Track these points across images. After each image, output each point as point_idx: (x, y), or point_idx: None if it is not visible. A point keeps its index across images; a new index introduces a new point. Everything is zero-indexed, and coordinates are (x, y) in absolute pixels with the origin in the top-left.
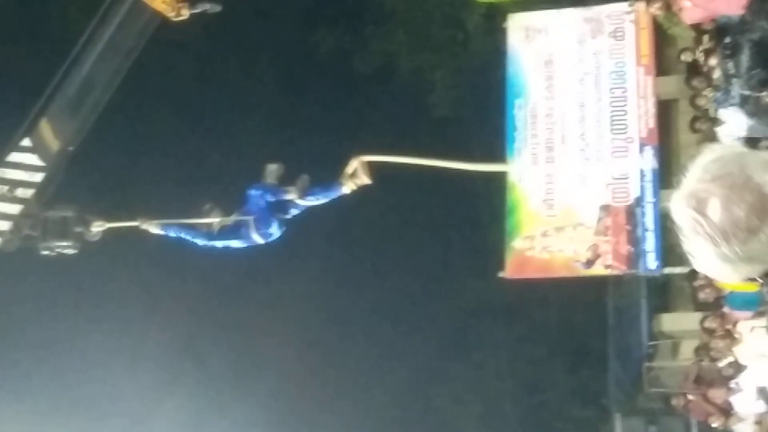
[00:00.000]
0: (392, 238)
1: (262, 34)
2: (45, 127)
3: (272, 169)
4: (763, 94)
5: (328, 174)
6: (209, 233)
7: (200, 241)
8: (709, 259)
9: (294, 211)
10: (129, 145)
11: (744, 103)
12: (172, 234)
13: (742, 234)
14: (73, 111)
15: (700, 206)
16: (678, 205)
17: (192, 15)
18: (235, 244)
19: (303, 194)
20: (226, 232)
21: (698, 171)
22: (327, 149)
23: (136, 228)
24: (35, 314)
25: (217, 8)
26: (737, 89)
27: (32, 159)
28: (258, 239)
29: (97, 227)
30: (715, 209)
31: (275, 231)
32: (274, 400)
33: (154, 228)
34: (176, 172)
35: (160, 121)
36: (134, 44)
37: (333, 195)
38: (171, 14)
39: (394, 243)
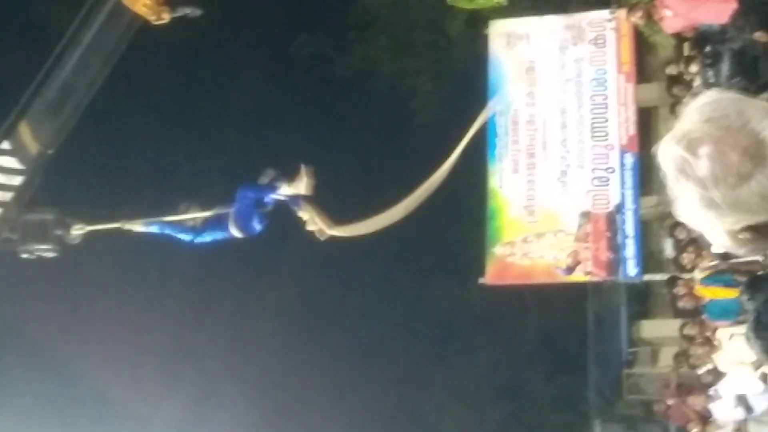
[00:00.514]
0: (374, 243)
1: (244, 38)
2: (24, 130)
3: (269, 174)
4: None
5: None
6: (193, 228)
7: (185, 236)
8: (694, 204)
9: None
10: (109, 147)
11: None
12: (157, 231)
13: (733, 179)
14: (53, 114)
15: (691, 147)
16: (667, 145)
17: (173, 19)
18: (220, 236)
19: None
20: (209, 226)
21: (693, 113)
22: (308, 153)
23: (120, 229)
24: (28, 315)
25: (197, 12)
26: None
27: (11, 162)
28: (236, 232)
29: (77, 230)
30: (707, 151)
31: (256, 225)
32: (256, 408)
33: (137, 227)
34: (157, 174)
35: (140, 124)
36: (115, 47)
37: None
38: (152, 18)
39: (375, 249)
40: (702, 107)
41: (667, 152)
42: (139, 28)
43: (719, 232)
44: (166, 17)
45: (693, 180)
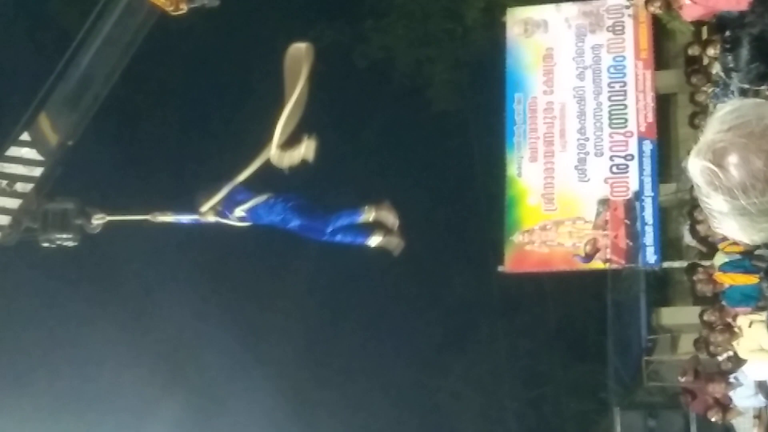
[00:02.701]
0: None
1: (261, 28)
2: (44, 122)
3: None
4: (762, 87)
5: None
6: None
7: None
8: (727, 214)
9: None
10: (129, 137)
11: (743, 96)
12: (187, 221)
13: (761, 184)
14: (72, 105)
15: (716, 158)
16: (695, 159)
17: (190, 10)
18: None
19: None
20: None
21: (715, 123)
22: (325, 143)
23: (136, 221)
24: (33, 309)
25: (215, 3)
26: (736, 83)
27: (31, 153)
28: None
29: (98, 220)
30: (732, 160)
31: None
32: (272, 394)
33: (168, 218)
34: (175, 164)
35: (159, 115)
36: (133, 38)
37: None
38: (170, 9)
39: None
40: (723, 116)
41: (694, 166)
42: (157, 19)
43: (757, 237)
44: (184, 8)
45: (722, 190)
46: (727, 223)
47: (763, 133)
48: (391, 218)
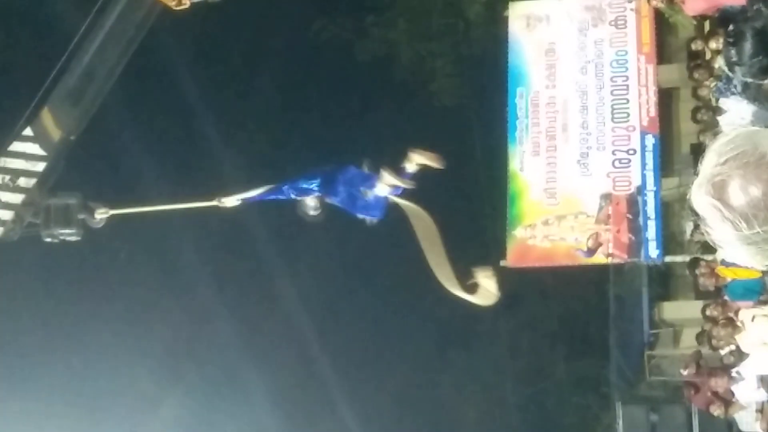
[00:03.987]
0: (393, 227)
1: (264, 22)
2: (47, 117)
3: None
4: (765, 81)
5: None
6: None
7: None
8: (734, 244)
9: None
10: (132, 132)
11: (745, 90)
12: (256, 196)
13: (764, 213)
14: (75, 100)
15: (716, 191)
16: (697, 194)
17: (193, 4)
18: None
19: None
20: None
21: (712, 156)
22: (329, 138)
23: (136, 216)
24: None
25: None
26: (739, 77)
27: (34, 148)
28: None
29: (101, 214)
30: (732, 192)
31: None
32: (271, 390)
33: (233, 202)
34: (178, 158)
35: (162, 110)
36: (135, 33)
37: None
38: (172, 3)
39: (395, 232)
40: (719, 148)
41: (697, 201)
42: (160, 13)
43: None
44: (186, 2)
45: (726, 222)
46: (735, 252)
47: (759, 162)
48: (432, 160)
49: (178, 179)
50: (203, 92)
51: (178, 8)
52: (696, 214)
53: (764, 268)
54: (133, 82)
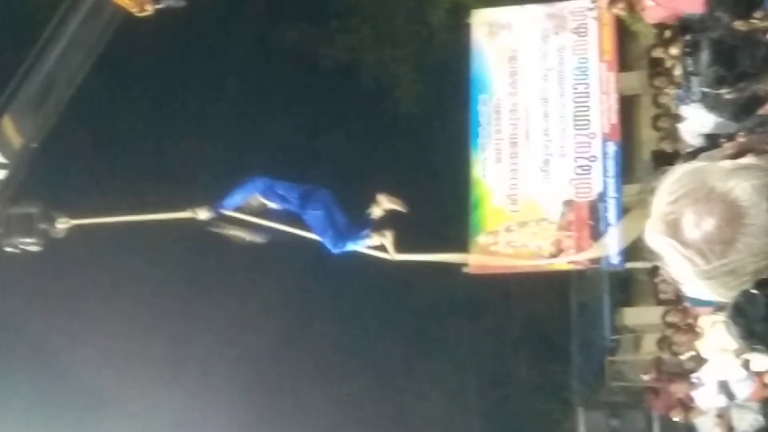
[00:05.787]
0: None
1: (226, 28)
2: (7, 124)
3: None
4: (722, 91)
5: (293, 169)
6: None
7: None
8: (693, 280)
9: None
10: (94, 140)
11: (704, 98)
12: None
13: (719, 247)
14: (36, 107)
15: (670, 229)
16: (651, 234)
17: (156, 10)
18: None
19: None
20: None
21: (663, 195)
22: (291, 144)
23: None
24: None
25: (181, 3)
26: (697, 86)
27: None
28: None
29: (62, 224)
30: (686, 228)
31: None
32: (236, 397)
33: (205, 214)
34: (142, 167)
35: (125, 117)
36: (98, 39)
37: None
38: (135, 9)
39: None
40: (668, 187)
41: (652, 240)
42: (123, 20)
43: (728, 296)
44: (149, 9)
45: (684, 260)
46: (696, 287)
47: (709, 197)
48: (397, 205)
49: (140, 188)
50: (166, 98)
51: (140, 15)
52: (653, 253)
53: (726, 300)
54: (95, 89)
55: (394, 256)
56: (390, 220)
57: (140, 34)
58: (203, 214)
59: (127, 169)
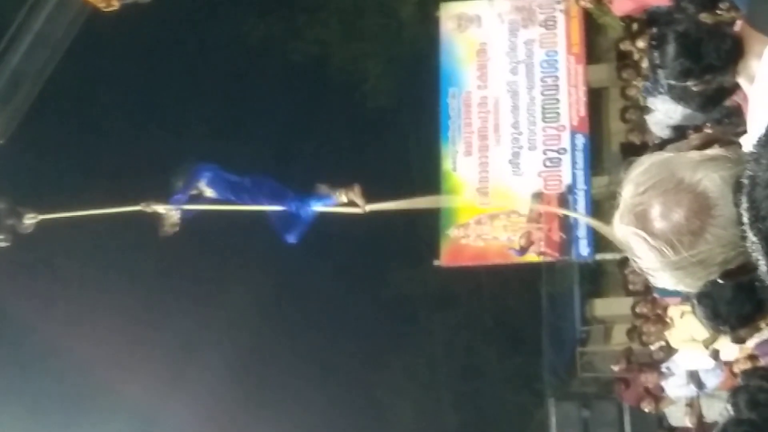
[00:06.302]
0: (330, 228)
1: (194, 23)
2: None
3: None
4: (688, 83)
5: (262, 163)
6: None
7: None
8: (662, 271)
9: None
10: (63, 136)
11: (671, 90)
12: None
13: (687, 238)
14: (4, 103)
15: (639, 221)
16: (620, 225)
17: (123, 5)
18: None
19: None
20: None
21: (630, 186)
22: (261, 138)
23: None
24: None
25: None
26: (664, 79)
27: None
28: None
29: (30, 219)
30: (654, 219)
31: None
32: (207, 393)
33: (160, 208)
34: (110, 163)
35: (93, 112)
36: (64, 36)
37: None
38: (101, 5)
39: (332, 233)
40: (636, 178)
41: (621, 233)
42: (90, 15)
43: (697, 286)
44: (116, 4)
45: (653, 251)
46: (664, 278)
47: (678, 188)
48: (361, 200)
49: (108, 184)
50: (134, 94)
51: (107, 10)
52: (623, 245)
53: (694, 290)
54: (63, 85)
55: (364, 207)
56: (359, 214)
57: (106, 30)
58: (158, 208)
59: (95, 165)
